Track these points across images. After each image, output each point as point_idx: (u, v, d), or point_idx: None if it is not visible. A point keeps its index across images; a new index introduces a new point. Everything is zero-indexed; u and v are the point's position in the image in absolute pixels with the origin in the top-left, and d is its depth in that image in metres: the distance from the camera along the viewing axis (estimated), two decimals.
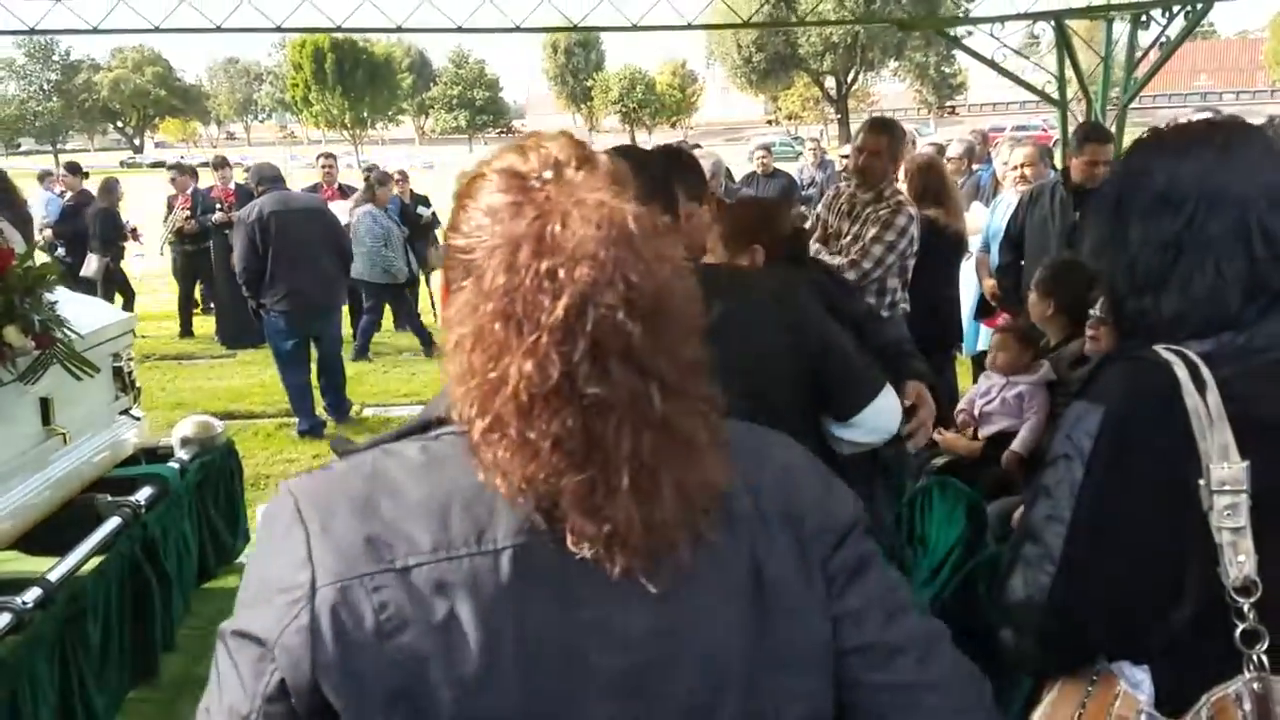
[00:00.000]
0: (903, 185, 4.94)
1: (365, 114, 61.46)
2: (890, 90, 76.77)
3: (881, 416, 2.12)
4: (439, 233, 11.16)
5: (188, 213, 10.21)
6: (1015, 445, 3.92)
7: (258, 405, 8.05)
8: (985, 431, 4.03)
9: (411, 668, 0.86)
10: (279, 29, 8.25)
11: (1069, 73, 8.20)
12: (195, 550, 4.08)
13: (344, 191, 10.27)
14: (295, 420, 7.23)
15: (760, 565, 0.95)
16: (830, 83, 61.52)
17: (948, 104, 71.09)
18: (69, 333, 3.32)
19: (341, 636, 0.86)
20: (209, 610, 4.12)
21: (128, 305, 10.71)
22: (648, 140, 66.75)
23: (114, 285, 10.64)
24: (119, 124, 69.13)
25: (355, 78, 46.46)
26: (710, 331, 2.00)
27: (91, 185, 11.07)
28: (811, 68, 58.40)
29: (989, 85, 63.01)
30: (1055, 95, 8.51)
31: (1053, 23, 8.32)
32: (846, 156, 10.30)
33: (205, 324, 11.25)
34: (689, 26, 8.74)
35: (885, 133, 4.39)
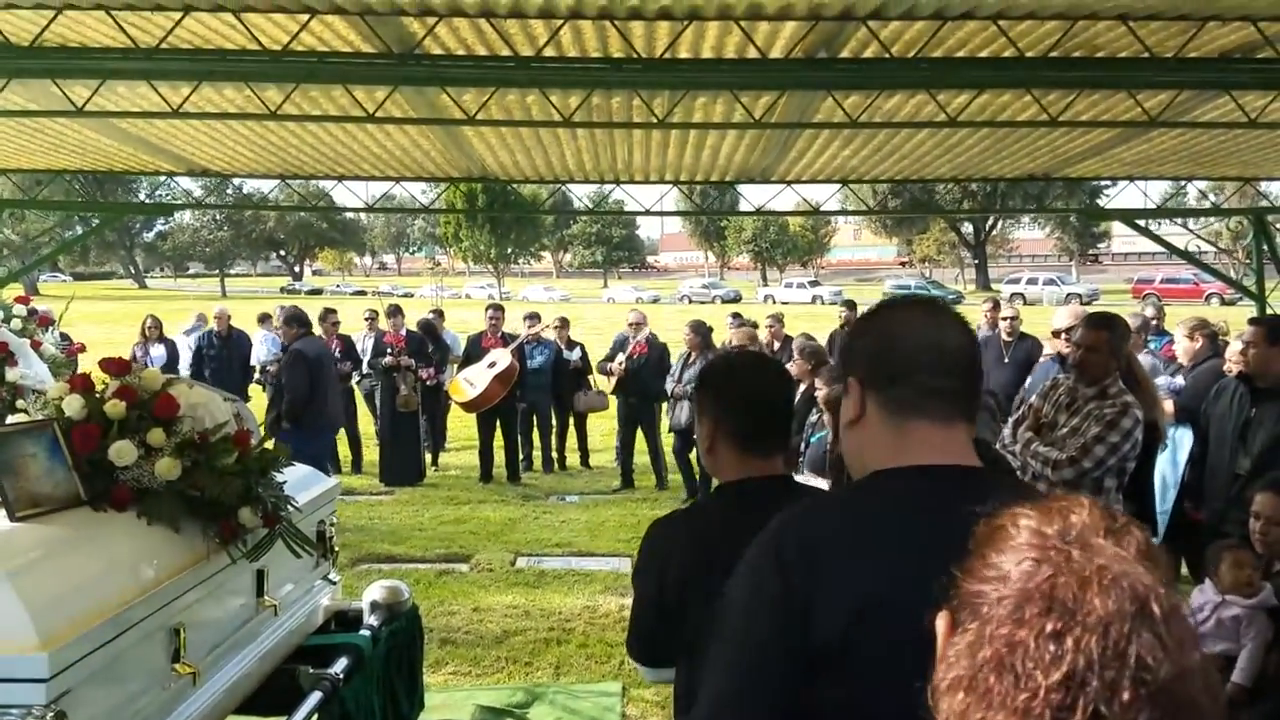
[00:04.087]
0: None
1: (509, 250, 64.23)
2: (1029, 236, 75.77)
3: None
4: (592, 378, 11.39)
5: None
6: (1236, 677, 3.65)
7: (417, 549, 8.20)
8: None
9: None
10: (427, 210, 8.70)
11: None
12: None
13: (506, 340, 10.61)
14: (457, 567, 7.82)
15: None
16: (967, 228, 61.22)
17: (1090, 251, 69.46)
18: (292, 509, 3.44)
19: None
20: None
21: None
22: (778, 278, 67.23)
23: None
24: (280, 253, 73.84)
25: (503, 217, 48.78)
26: None
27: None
28: (948, 214, 58.31)
29: (1134, 234, 61.52)
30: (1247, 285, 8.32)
31: (1251, 218, 8.19)
32: (1052, 337, 10.11)
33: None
34: (817, 212, 8.85)
35: (1105, 328, 4.28)
